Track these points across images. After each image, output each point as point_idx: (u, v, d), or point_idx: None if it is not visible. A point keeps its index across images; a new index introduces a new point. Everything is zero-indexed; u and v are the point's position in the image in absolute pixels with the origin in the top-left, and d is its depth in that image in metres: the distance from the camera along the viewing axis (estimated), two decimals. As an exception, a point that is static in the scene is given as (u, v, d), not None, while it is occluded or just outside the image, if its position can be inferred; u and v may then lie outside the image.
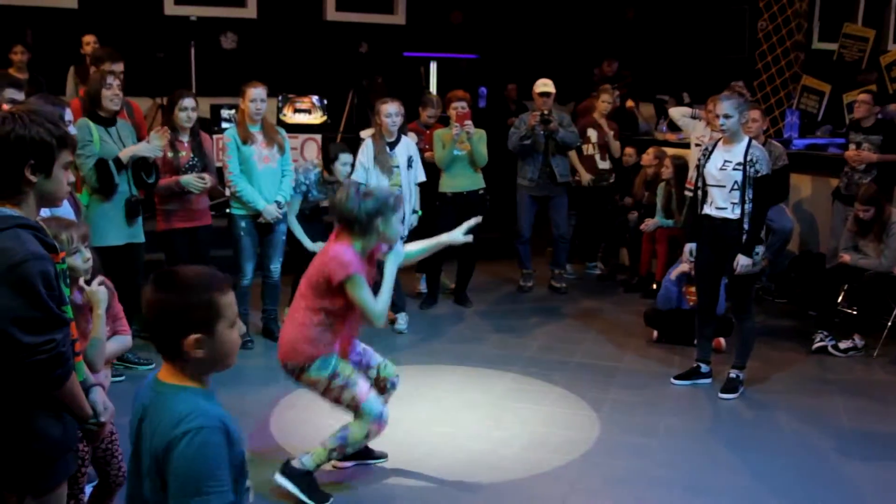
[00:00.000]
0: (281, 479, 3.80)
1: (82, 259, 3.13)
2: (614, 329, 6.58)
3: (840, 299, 6.31)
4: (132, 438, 2.08)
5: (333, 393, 3.79)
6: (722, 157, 5.07)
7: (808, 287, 6.92)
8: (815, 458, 4.44)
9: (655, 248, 7.42)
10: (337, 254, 3.71)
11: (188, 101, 5.48)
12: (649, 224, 7.41)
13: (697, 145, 6.90)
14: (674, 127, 8.12)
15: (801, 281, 7.17)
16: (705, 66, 10.05)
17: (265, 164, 5.73)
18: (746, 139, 5.08)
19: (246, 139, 5.70)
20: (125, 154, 5.14)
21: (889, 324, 6.04)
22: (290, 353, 3.79)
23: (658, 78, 10.56)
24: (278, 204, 5.78)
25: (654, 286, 7.07)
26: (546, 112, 7.12)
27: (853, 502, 4.01)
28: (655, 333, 6.27)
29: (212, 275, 2.01)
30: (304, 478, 3.80)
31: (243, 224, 5.81)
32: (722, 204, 5.08)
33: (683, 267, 5.85)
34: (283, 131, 5.99)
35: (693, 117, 7.37)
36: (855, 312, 6.26)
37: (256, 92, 5.67)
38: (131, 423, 2.08)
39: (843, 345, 6.01)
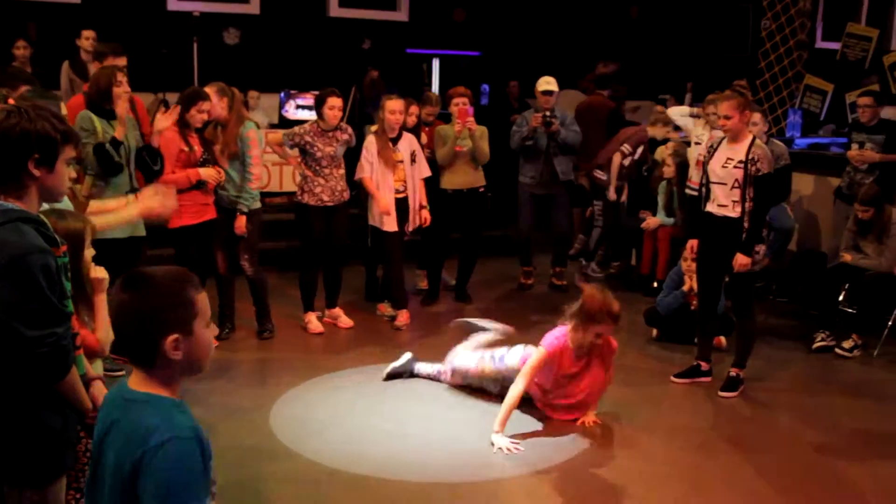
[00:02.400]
0: None
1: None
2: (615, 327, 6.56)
3: (841, 298, 6.31)
4: (94, 453, 1.98)
5: None
6: (725, 155, 5.07)
7: (809, 286, 6.91)
8: (816, 457, 4.45)
9: (657, 246, 7.42)
10: (555, 332, 4.61)
11: (206, 105, 5.55)
12: (651, 223, 7.41)
13: (697, 143, 6.90)
14: (676, 125, 8.11)
15: (802, 280, 7.17)
16: (708, 64, 10.05)
17: (220, 162, 5.77)
18: (750, 137, 5.07)
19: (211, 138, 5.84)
20: (120, 133, 5.08)
21: (890, 323, 6.02)
22: None
23: (661, 76, 10.55)
24: (240, 211, 5.74)
25: (655, 284, 7.07)
26: (548, 113, 7.10)
27: (853, 502, 4.01)
28: (655, 332, 6.27)
29: (185, 273, 1.94)
30: None
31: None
32: (723, 201, 5.07)
33: (693, 286, 5.78)
34: (247, 130, 5.72)
35: (691, 116, 7.37)
36: (854, 312, 6.25)
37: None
38: (94, 438, 1.99)
39: (846, 344, 6.01)
